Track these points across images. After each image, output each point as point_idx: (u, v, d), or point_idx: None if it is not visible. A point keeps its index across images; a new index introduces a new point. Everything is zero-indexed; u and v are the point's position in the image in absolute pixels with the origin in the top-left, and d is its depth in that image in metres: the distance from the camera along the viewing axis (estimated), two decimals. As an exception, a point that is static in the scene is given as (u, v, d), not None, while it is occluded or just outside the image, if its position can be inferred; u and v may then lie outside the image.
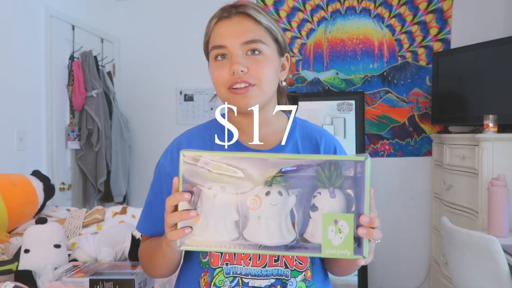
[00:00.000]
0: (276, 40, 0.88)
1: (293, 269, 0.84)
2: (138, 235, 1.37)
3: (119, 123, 2.96)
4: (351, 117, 2.98)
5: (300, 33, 3.15)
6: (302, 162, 0.70)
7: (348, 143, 2.95)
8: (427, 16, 3.02)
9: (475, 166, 2.28)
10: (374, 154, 3.09)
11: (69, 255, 1.32)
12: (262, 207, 0.70)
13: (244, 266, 0.84)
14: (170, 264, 0.87)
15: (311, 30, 3.14)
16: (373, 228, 0.69)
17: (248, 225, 0.71)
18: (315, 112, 3.02)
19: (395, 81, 3.06)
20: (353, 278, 2.86)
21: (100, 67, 2.86)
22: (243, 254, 0.84)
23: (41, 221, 1.25)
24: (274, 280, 0.83)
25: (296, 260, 0.84)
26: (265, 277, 0.84)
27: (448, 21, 3.00)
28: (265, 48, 0.85)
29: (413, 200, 3.08)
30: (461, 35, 2.95)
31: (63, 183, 2.57)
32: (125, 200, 3.07)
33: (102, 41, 3.04)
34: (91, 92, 2.63)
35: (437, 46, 3.01)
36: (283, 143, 0.91)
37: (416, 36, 3.04)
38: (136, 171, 3.32)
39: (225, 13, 0.86)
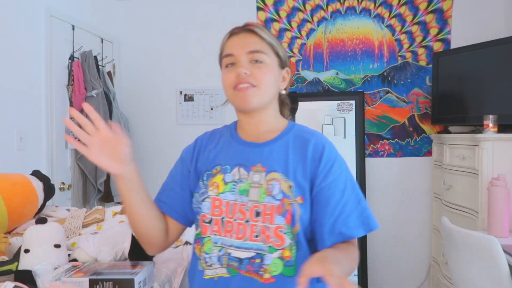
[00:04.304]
0: (277, 54, 1.04)
1: (269, 245, 0.92)
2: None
3: (119, 123, 2.97)
4: (351, 117, 2.98)
5: (300, 33, 3.14)
6: None
7: (348, 143, 2.95)
8: (427, 16, 3.02)
9: (475, 166, 2.28)
10: (374, 154, 3.09)
11: (69, 255, 1.32)
12: None
13: (228, 238, 0.95)
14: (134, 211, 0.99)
15: (311, 30, 3.14)
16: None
17: None
18: (315, 112, 3.02)
19: (395, 81, 3.06)
20: (353, 278, 2.86)
21: (100, 67, 2.86)
22: (229, 227, 0.95)
23: (41, 221, 1.25)
24: (254, 253, 0.93)
25: (272, 237, 0.92)
26: (246, 250, 0.93)
27: (448, 21, 3.00)
28: (266, 58, 1.00)
29: (413, 200, 3.08)
30: (461, 35, 2.95)
31: (63, 183, 2.57)
32: (125, 200, 3.06)
33: (102, 41, 3.04)
34: (91, 92, 2.63)
35: (437, 46, 3.01)
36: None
37: (416, 36, 3.04)
38: (136, 171, 3.31)
39: (236, 30, 1.05)
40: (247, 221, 0.94)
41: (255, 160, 0.98)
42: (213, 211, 0.96)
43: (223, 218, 0.95)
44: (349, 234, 0.93)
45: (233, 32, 1.04)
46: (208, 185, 0.99)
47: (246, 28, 1.03)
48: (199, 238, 0.99)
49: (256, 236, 0.93)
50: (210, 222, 0.96)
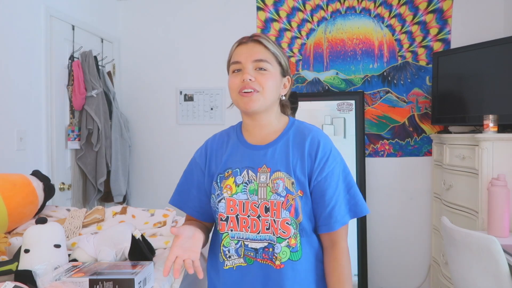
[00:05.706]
0: (280, 64, 1.16)
1: (278, 236, 1.08)
2: (138, 235, 1.37)
3: (119, 123, 2.96)
4: (351, 117, 2.98)
5: (300, 33, 3.14)
6: None
7: (348, 143, 2.95)
8: (427, 16, 3.02)
9: (475, 166, 2.28)
10: (374, 154, 3.09)
11: (69, 255, 1.31)
12: None
13: (244, 232, 1.11)
14: None
15: (311, 30, 3.14)
16: None
17: None
18: (315, 112, 3.02)
19: (395, 81, 3.06)
20: (353, 278, 2.86)
21: (100, 67, 2.86)
22: (244, 222, 1.11)
23: (41, 221, 1.25)
24: (267, 243, 1.10)
25: (280, 229, 1.08)
26: (260, 241, 1.10)
27: (448, 21, 3.00)
28: (269, 67, 1.13)
29: (413, 200, 3.08)
30: (461, 35, 2.95)
31: (63, 183, 2.57)
32: (125, 200, 3.07)
33: (102, 41, 3.04)
34: (91, 92, 2.63)
35: (437, 46, 3.01)
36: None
37: (416, 36, 3.04)
38: (136, 171, 3.31)
39: (244, 40, 1.17)
40: (258, 217, 1.09)
41: (260, 162, 1.12)
42: (228, 210, 1.11)
43: (237, 215, 1.11)
44: (341, 221, 1.09)
45: (241, 42, 1.16)
46: (222, 187, 1.12)
47: (254, 39, 1.15)
48: (220, 234, 1.14)
49: (267, 229, 1.09)
50: (226, 220, 1.12)
